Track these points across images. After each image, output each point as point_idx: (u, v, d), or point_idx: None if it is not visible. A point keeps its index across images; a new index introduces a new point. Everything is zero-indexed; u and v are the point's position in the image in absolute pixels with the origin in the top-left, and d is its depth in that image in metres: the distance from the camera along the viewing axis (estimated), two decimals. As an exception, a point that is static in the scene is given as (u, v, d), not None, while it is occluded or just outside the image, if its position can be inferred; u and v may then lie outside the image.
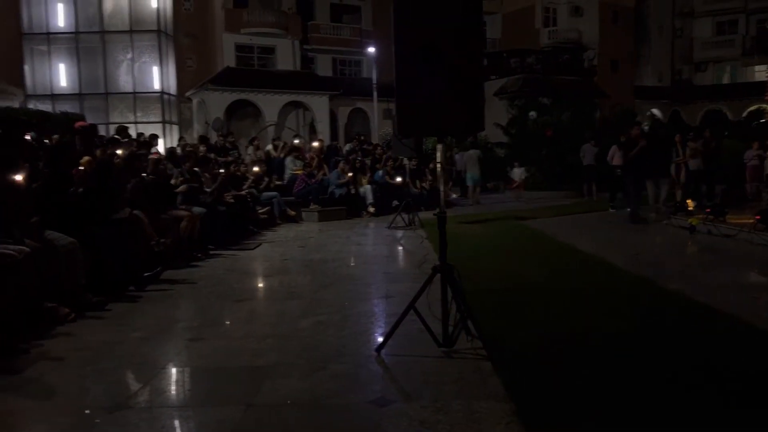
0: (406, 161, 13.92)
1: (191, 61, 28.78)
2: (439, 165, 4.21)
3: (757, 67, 35.76)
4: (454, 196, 17.93)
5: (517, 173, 18.69)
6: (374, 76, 26.35)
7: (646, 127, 19.13)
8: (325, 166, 14.17)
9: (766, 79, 15.80)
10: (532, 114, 22.81)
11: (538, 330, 4.22)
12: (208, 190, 9.01)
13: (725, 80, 40.72)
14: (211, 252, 8.14)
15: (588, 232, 10.42)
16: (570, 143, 19.05)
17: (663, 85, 40.20)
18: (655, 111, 37.06)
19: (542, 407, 2.92)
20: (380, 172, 14.57)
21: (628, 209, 11.14)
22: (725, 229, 8.69)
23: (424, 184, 15.32)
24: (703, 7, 40.73)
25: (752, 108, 32.99)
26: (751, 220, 8.24)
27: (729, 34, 40.26)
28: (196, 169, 9.12)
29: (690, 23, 41.43)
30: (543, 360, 3.60)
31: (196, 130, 26.93)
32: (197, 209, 8.02)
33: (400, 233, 10.29)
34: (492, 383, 3.24)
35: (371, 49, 26.63)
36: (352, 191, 13.47)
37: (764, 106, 17.39)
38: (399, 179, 13.73)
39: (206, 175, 9.34)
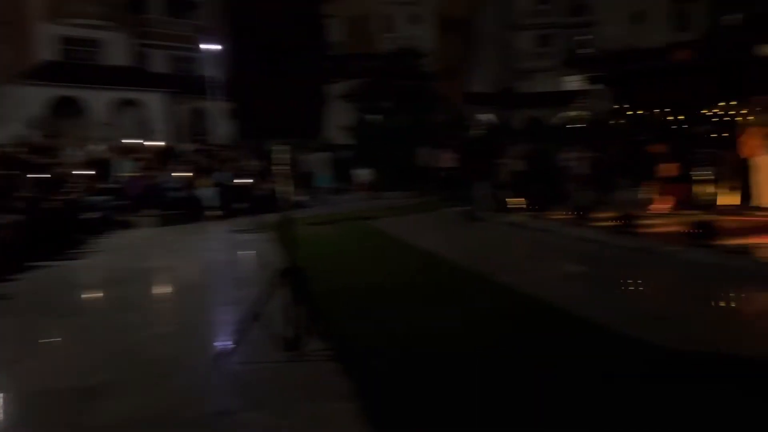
0: (251, 162, 13.63)
1: (5, 51, 25.82)
2: (283, 167, 4.16)
3: (571, 78, 39.59)
4: (300, 198, 17.86)
5: (363, 175, 19.05)
6: (213, 75, 25.40)
7: (478, 132, 20.40)
8: (163, 167, 13.44)
9: (576, 88, 17.63)
10: (375, 117, 23.39)
11: (384, 329, 4.33)
12: (25, 194, 8.15)
13: (545, 89, 44.78)
14: (32, 264, 7.37)
15: (428, 231, 10.87)
16: (410, 145, 19.81)
17: (492, 92, 43.22)
18: (486, 116, 39.73)
19: (388, 406, 3.00)
20: (222, 174, 14.11)
21: (463, 208, 11.80)
22: (545, 224, 9.54)
23: (268, 186, 15.09)
24: (527, 21, 44.57)
25: (568, 114, 36.56)
26: (568, 216, 9.13)
27: (548, 46, 44.44)
28: (9, 171, 8.22)
29: (516, 35, 45.07)
30: (389, 358, 3.69)
31: (13, 128, 24.22)
32: (11, 216, 7.22)
33: (244, 236, 10.04)
34: (339, 384, 3.27)
35: (210, 47, 25.67)
36: (193, 193, 12.92)
37: (579, 112, 19.48)
38: (243, 180, 13.39)
39: (23, 178, 8.45)
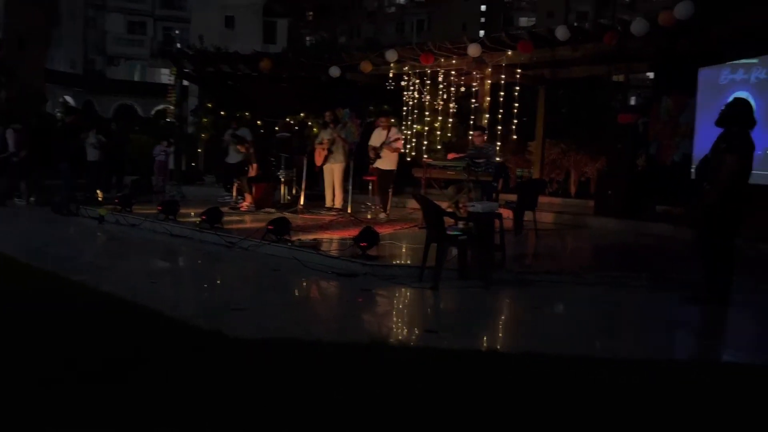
0: None
1: None
2: None
3: (163, 70, 38.79)
4: None
5: None
6: None
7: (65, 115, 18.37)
8: None
9: (168, 82, 17.38)
10: None
11: None
12: None
13: (137, 77, 42.88)
14: None
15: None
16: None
17: (76, 73, 39.29)
18: (68, 98, 36.00)
19: None
20: None
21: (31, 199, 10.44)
22: (132, 218, 9.10)
23: None
24: (115, 3, 41.86)
25: (160, 107, 35.75)
26: (154, 211, 8.88)
27: (139, 34, 42.66)
28: None
29: (103, 16, 41.92)
30: None
31: None
32: None
33: None
34: None
35: None
36: None
37: (169, 106, 19.22)
38: None
39: None
